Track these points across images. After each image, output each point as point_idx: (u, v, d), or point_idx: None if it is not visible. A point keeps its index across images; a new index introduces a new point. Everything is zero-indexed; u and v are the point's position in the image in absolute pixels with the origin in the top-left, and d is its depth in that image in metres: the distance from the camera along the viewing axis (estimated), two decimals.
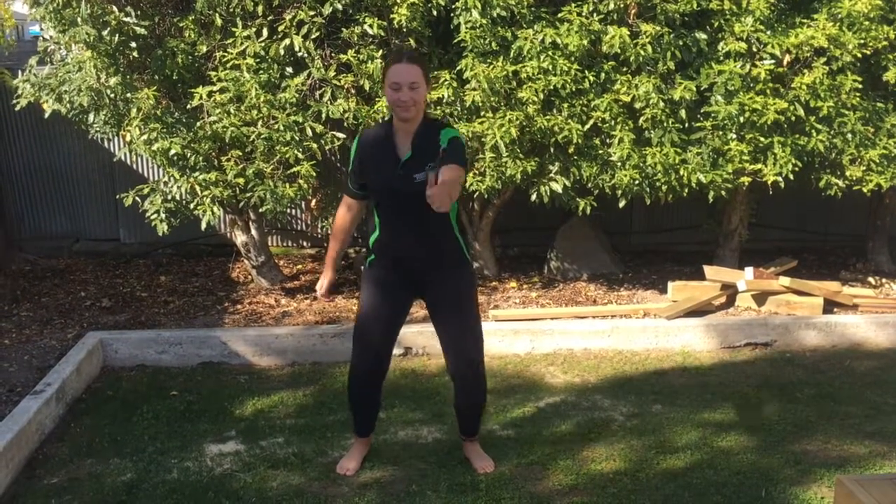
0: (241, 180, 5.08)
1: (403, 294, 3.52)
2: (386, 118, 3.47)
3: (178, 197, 5.27)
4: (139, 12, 5.16)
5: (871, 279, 6.11)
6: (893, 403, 4.32)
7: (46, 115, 5.47)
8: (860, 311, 5.47)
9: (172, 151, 5.02)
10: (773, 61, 5.02)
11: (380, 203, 3.41)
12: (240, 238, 5.96)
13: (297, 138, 5.01)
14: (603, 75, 5.03)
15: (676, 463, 3.71)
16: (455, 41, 5.06)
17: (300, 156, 5.03)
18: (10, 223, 6.95)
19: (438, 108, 5.07)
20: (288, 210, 5.40)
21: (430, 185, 2.92)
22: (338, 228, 3.64)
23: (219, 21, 5.06)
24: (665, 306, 5.42)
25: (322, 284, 3.64)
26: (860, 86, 5.05)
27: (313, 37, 5.03)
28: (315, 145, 5.09)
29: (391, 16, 4.94)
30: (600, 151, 5.11)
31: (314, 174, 5.12)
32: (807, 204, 6.71)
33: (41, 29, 5.73)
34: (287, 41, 5.00)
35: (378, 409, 3.71)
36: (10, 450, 3.58)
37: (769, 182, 5.08)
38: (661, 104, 4.94)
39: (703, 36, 5.06)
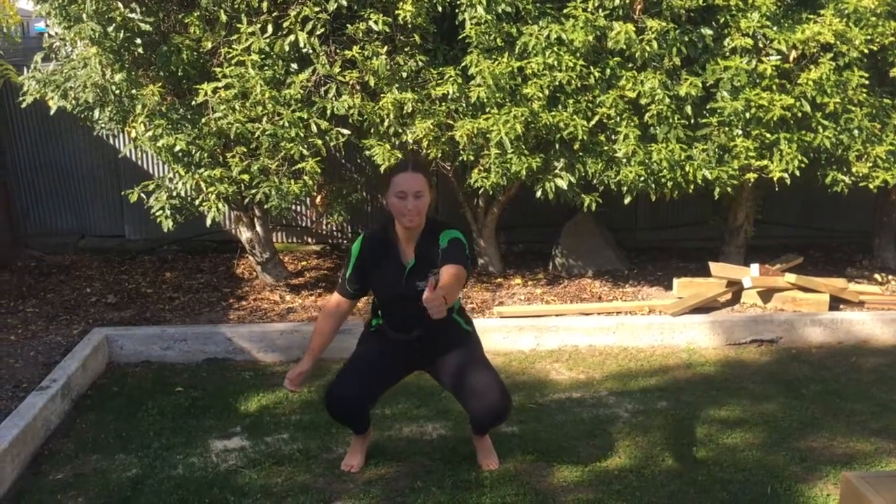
0: (245, 176, 5.08)
1: (400, 364, 3.56)
2: (386, 223, 3.48)
3: (183, 193, 5.28)
4: (144, 8, 5.16)
5: (877, 276, 6.09)
6: None
7: (52, 112, 5.47)
8: (866, 307, 5.46)
9: (177, 148, 5.03)
10: (779, 57, 5.00)
11: (383, 307, 3.49)
12: (245, 234, 5.97)
13: (302, 134, 5.00)
14: (608, 71, 5.02)
15: (681, 459, 3.70)
16: (460, 37, 5.05)
17: (305, 152, 5.03)
18: (16, 219, 6.96)
19: (443, 104, 5.07)
20: (293, 206, 5.39)
21: (429, 288, 2.91)
22: (325, 320, 3.54)
23: (224, 17, 5.06)
24: (670, 303, 5.41)
25: (295, 373, 3.46)
26: (867, 82, 5.04)
27: (318, 33, 5.03)
28: (320, 141, 5.09)
29: (396, 12, 4.94)
30: (605, 148, 5.09)
31: (319, 170, 5.12)
32: (813, 200, 6.69)
33: (46, 25, 5.74)
34: (292, 37, 5.00)
35: (365, 419, 3.62)
36: (16, 445, 3.59)
37: (775, 178, 5.06)
38: (667, 100, 4.93)
39: (709, 32, 5.05)
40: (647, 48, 4.90)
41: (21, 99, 5.45)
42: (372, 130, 5.18)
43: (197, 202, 5.23)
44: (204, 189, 5.13)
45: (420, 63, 5.09)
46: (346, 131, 5.17)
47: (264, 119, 5.01)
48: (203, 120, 5.08)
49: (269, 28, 5.05)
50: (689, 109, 5.03)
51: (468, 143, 5.01)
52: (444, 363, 3.49)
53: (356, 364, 3.53)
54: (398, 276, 3.33)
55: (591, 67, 4.99)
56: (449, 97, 5.02)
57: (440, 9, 5.02)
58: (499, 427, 3.99)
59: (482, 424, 3.56)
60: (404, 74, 5.07)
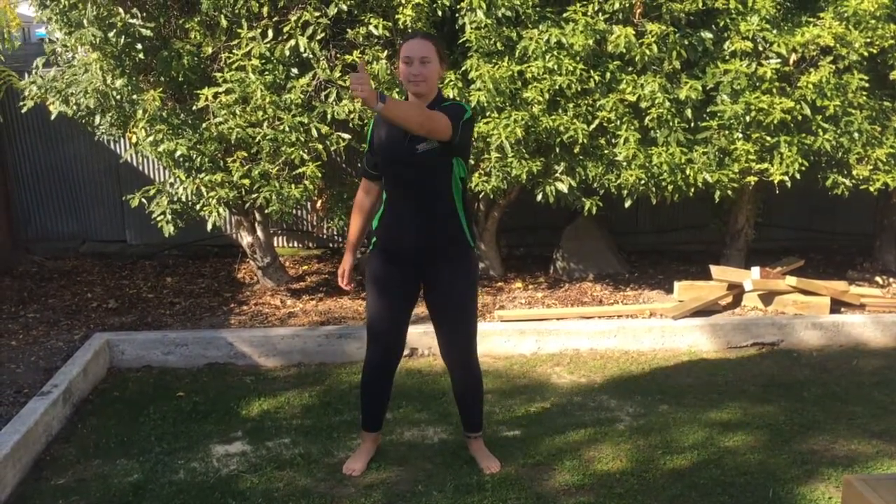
0: (246, 181, 5.08)
1: (407, 287, 3.54)
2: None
3: (184, 198, 5.28)
4: (145, 14, 5.17)
5: (878, 278, 6.09)
6: None
7: (53, 117, 5.48)
8: (867, 310, 5.45)
9: (178, 153, 5.03)
10: (779, 60, 5.01)
11: (386, 179, 3.49)
12: (245, 239, 5.97)
13: (303, 139, 5.01)
14: (608, 75, 5.02)
15: (683, 463, 3.70)
16: (460, 41, 5.06)
17: (306, 157, 5.04)
18: (17, 224, 6.97)
19: None
20: (294, 211, 5.41)
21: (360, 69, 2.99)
22: (357, 209, 3.67)
23: (224, 22, 5.07)
24: (671, 306, 5.41)
25: (343, 270, 3.69)
26: (867, 85, 5.04)
27: (318, 38, 5.04)
28: (321, 146, 5.09)
29: (396, 16, 4.95)
30: (606, 151, 5.10)
31: (320, 175, 5.13)
32: (813, 203, 6.69)
33: (47, 31, 5.75)
34: (292, 42, 5.01)
35: (387, 404, 3.73)
36: (18, 451, 3.59)
37: (776, 181, 5.07)
38: (667, 104, 4.93)
39: (709, 35, 5.06)
40: (647, 52, 4.91)
41: (22, 104, 5.46)
42: None
43: (198, 207, 5.23)
44: (205, 194, 5.13)
45: None
46: (346, 136, 5.18)
47: (265, 124, 5.02)
48: (204, 125, 5.09)
49: (270, 33, 5.06)
50: (689, 113, 5.03)
51: None
52: (437, 290, 3.50)
53: (377, 322, 3.54)
54: (400, 139, 3.32)
55: (592, 71, 5.00)
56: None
57: (440, 13, 5.03)
58: (500, 431, 3.99)
59: (453, 380, 3.63)
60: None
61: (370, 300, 3.56)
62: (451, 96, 4.94)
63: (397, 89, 5.04)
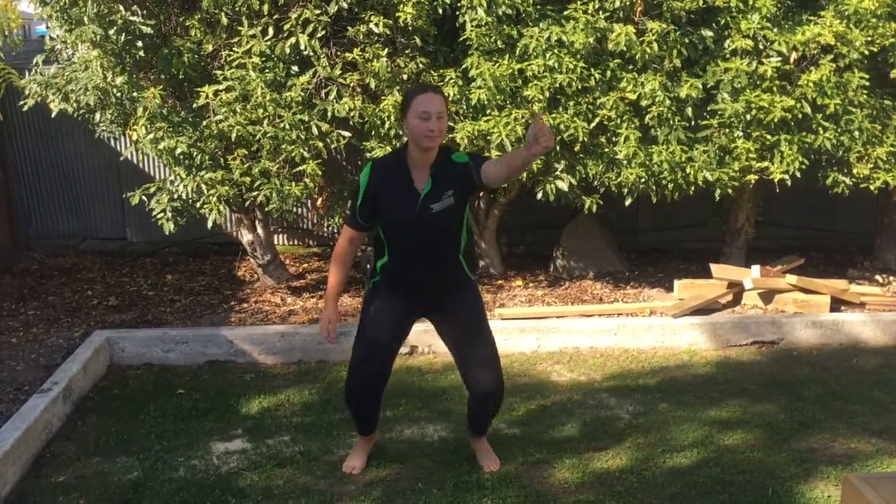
0: (247, 179, 5.08)
1: (407, 318, 3.53)
2: (397, 149, 3.49)
3: (184, 196, 5.28)
4: (145, 11, 5.17)
5: (878, 277, 6.09)
6: None
7: (53, 115, 5.48)
8: (867, 309, 5.46)
9: (179, 150, 5.03)
10: (779, 59, 5.00)
11: (391, 235, 3.40)
12: (246, 237, 5.97)
13: (303, 137, 5.01)
14: (609, 73, 5.02)
15: (682, 461, 3.70)
16: (461, 39, 5.06)
17: (306, 154, 5.04)
18: (18, 222, 6.97)
19: None
20: (294, 209, 5.40)
21: (534, 134, 2.91)
22: (339, 261, 3.50)
23: (225, 20, 5.07)
24: (671, 304, 5.41)
25: (327, 324, 3.48)
26: (867, 83, 5.04)
27: (319, 35, 5.03)
28: (321, 144, 5.09)
29: (397, 14, 4.94)
30: (606, 149, 5.10)
31: (320, 173, 5.13)
32: (813, 202, 6.69)
33: (48, 28, 5.75)
34: (293, 40, 5.01)
35: (379, 410, 3.70)
36: (18, 448, 3.59)
37: (776, 180, 5.07)
38: (668, 102, 4.93)
39: (710, 33, 5.05)
40: (648, 50, 4.91)
41: (23, 102, 5.46)
42: (373, 133, 5.18)
43: (198, 204, 5.23)
44: (205, 191, 5.13)
45: (420, 65, 5.10)
46: (346, 133, 5.18)
47: (265, 121, 5.02)
48: (204, 122, 5.09)
49: (270, 31, 5.06)
50: (689, 111, 5.03)
51: (469, 145, 5.01)
52: (449, 313, 3.48)
53: (369, 342, 3.49)
54: (412, 201, 3.27)
55: (592, 69, 4.99)
56: (449, 99, 5.02)
57: (441, 11, 5.02)
58: (500, 429, 3.99)
59: (478, 397, 3.52)
60: (405, 76, 5.07)
61: (367, 326, 3.51)
62: (451, 95, 4.95)
63: (397, 87, 5.05)
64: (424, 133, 3.19)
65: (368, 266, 3.60)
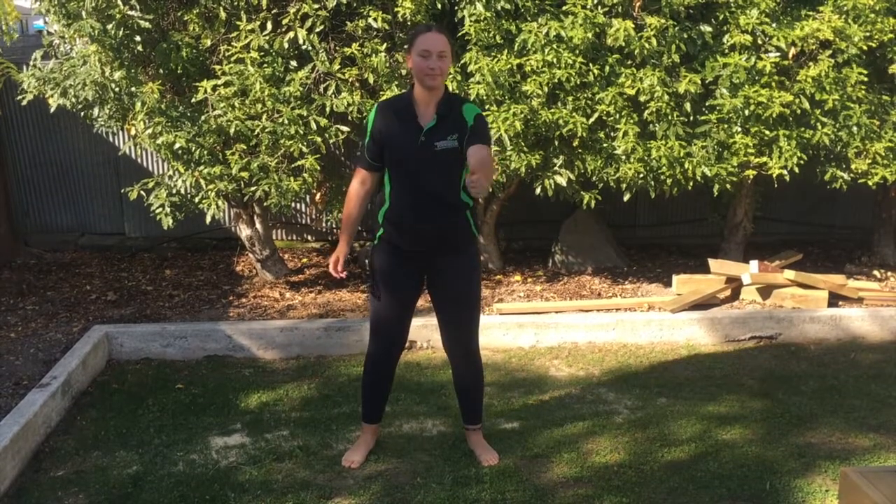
0: (245, 174, 5.08)
1: (412, 281, 3.55)
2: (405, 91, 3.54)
3: (182, 191, 5.28)
4: (143, 6, 5.16)
5: (876, 272, 6.10)
6: None
7: (51, 110, 5.47)
8: (865, 304, 5.47)
9: (177, 145, 5.03)
10: (778, 54, 5.00)
11: (394, 173, 3.42)
12: (244, 232, 5.97)
13: (302, 132, 5.01)
14: (607, 68, 5.02)
15: (681, 455, 3.71)
16: (459, 34, 5.05)
17: (305, 149, 5.04)
18: (16, 217, 6.97)
19: None
20: (292, 204, 5.40)
21: (471, 172, 3.02)
22: (352, 201, 3.56)
23: (223, 14, 5.06)
24: (670, 299, 5.42)
25: (336, 258, 3.59)
26: (866, 78, 5.04)
27: (317, 30, 5.03)
28: (319, 139, 5.09)
29: (395, 9, 4.94)
30: (605, 145, 5.10)
31: (319, 168, 5.13)
32: (812, 197, 6.70)
33: (45, 23, 5.74)
34: (291, 34, 5.00)
35: (387, 395, 3.75)
36: (17, 442, 3.59)
37: (774, 175, 5.07)
38: (666, 97, 4.93)
39: (708, 29, 5.05)
40: (647, 45, 4.90)
41: (21, 97, 5.46)
42: None
43: (196, 199, 5.23)
44: (203, 186, 5.13)
45: None
46: (345, 128, 5.18)
47: (264, 116, 5.02)
48: (203, 117, 5.09)
49: (269, 25, 5.05)
50: (688, 106, 5.03)
51: None
52: (443, 286, 3.52)
53: (383, 316, 3.56)
54: (415, 136, 3.32)
55: (591, 64, 4.99)
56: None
57: (439, 6, 5.02)
58: (499, 423, 4.00)
59: (455, 383, 3.70)
60: (404, 72, 5.07)
61: (376, 298, 3.54)
62: (449, 90, 4.94)
63: (396, 82, 5.04)
64: (425, 71, 3.27)
65: (372, 246, 3.60)
